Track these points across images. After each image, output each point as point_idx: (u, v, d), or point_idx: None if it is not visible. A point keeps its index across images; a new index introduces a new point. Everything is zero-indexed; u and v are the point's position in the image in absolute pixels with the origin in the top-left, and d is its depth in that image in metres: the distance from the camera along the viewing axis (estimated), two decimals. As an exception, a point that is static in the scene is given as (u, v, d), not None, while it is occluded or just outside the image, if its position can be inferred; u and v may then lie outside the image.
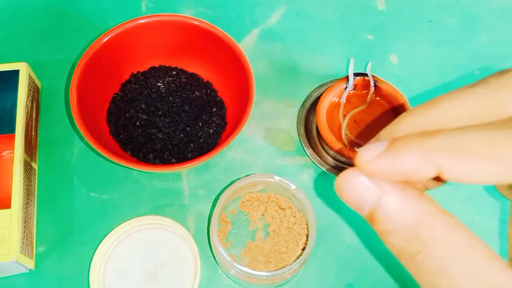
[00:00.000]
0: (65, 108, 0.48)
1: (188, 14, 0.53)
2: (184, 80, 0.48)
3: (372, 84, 0.45)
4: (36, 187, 0.44)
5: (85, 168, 0.45)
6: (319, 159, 0.45)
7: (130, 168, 0.43)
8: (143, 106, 0.46)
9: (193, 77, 0.48)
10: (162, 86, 0.47)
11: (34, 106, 0.46)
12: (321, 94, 0.46)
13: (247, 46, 0.51)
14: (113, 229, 0.41)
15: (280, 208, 0.41)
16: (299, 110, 0.48)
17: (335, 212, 0.44)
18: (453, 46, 0.52)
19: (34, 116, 0.46)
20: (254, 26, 0.53)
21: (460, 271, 0.18)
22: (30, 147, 0.43)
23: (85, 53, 0.43)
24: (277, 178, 0.39)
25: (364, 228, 0.43)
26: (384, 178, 0.19)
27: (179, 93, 0.47)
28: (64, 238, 0.42)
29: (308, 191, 0.45)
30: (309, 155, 0.46)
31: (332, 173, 0.44)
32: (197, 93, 0.47)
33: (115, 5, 0.53)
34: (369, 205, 0.19)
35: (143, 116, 0.45)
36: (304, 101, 0.48)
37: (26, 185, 0.41)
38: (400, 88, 0.46)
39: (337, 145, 0.43)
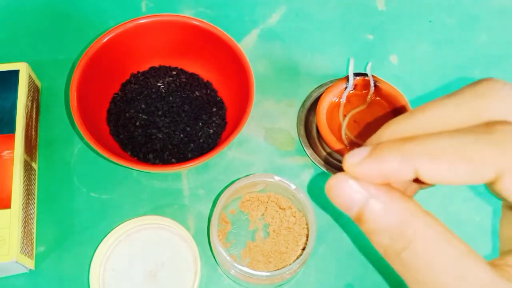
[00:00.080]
0: (65, 108, 0.48)
1: (188, 14, 0.53)
2: (184, 80, 0.48)
3: (372, 84, 0.46)
4: (36, 187, 0.44)
5: (85, 168, 0.45)
6: (319, 159, 0.45)
7: (130, 168, 0.43)
8: (143, 106, 0.46)
9: (193, 77, 0.48)
10: (162, 86, 0.47)
11: (34, 106, 0.46)
12: (321, 94, 0.46)
13: (247, 46, 0.51)
14: (113, 229, 0.41)
15: (280, 208, 0.41)
16: (299, 110, 0.48)
17: (335, 212, 0.44)
18: (453, 46, 0.52)
19: (34, 116, 0.46)
20: (254, 26, 0.53)
21: (439, 267, 0.19)
22: (30, 147, 0.43)
23: (85, 53, 0.43)
24: (277, 178, 0.39)
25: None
26: (368, 180, 0.21)
27: (179, 93, 0.47)
28: (64, 238, 0.42)
29: (308, 191, 0.45)
30: (309, 155, 0.46)
31: (332, 173, 0.45)
32: (197, 93, 0.47)
33: (115, 5, 0.53)
34: (357, 207, 0.21)
35: (143, 116, 0.45)
36: (304, 101, 0.48)
37: (26, 185, 0.41)
38: (400, 88, 0.46)
39: (337, 145, 0.43)
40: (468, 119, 0.21)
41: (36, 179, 0.44)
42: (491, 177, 0.19)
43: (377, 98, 0.46)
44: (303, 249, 0.40)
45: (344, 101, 0.46)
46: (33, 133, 0.45)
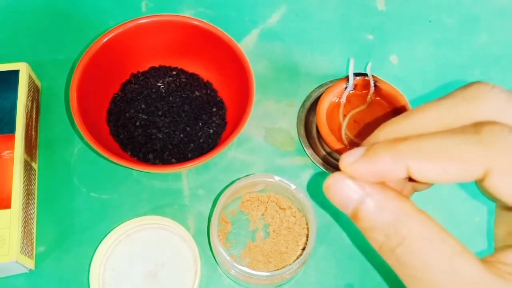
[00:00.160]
0: (65, 108, 0.48)
1: (188, 14, 0.53)
2: (184, 80, 0.48)
3: (372, 84, 0.46)
4: (36, 187, 0.44)
5: (85, 168, 0.45)
6: (319, 159, 0.45)
7: (130, 168, 0.43)
8: (143, 106, 0.46)
9: (193, 77, 0.48)
10: (162, 86, 0.47)
11: (34, 106, 0.46)
12: (321, 94, 0.46)
13: (247, 46, 0.51)
14: (113, 229, 0.41)
15: (280, 208, 0.41)
16: (299, 110, 0.48)
17: (335, 212, 0.44)
18: (453, 46, 0.52)
19: (34, 116, 0.46)
20: (254, 26, 0.53)
21: (432, 263, 0.20)
22: (30, 147, 0.43)
23: (85, 53, 0.43)
24: (277, 178, 0.39)
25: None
26: (363, 178, 0.22)
27: (179, 93, 0.47)
28: (64, 238, 0.42)
29: (308, 191, 0.45)
30: (309, 155, 0.46)
31: (332, 173, 0.44)
32: (197, 93, 0.47)
33: (115, 5, 0.53)
34: (352, 205, 0.22)
35: (143, 116, 0.45)
36: (304, 101, 0.48)
37: (26, 185, 0.41)
38: (400, 88, 0.46)
39: (337, 145, 0.43)
40: (459, 120, 0.22)
41: (36, 179, 0.44)
42: (479, 175, 0.20)
43: (377, 98, 0.46)
44: (303, 249, 0.40)
45: (344, 101, 0.46)
46: (33, 133, 0.45)
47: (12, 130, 0.42)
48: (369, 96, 0.46)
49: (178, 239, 0.41)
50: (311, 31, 0.53)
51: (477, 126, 0.21)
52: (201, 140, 0.45)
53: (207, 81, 0.48)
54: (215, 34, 0.44)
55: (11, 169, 0.40)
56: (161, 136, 0.44)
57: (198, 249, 0.40)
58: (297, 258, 0.39)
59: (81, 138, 0.46)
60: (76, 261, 0.41)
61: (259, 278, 0.37)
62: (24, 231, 0.39)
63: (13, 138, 0.41)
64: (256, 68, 0.50)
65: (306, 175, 0.46)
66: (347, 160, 0.22)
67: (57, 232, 0.43)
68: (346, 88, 0.46)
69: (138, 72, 0.48)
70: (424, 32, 0.53)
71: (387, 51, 0.52)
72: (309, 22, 0.53)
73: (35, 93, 0.47)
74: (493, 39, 0.53)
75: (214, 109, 0.47)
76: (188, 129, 0.45)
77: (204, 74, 0.48)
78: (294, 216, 0.41)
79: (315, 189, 0.45)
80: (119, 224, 0.41)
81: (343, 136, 0.45)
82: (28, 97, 0.44)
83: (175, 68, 0.48)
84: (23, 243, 0.39)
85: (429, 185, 0.26)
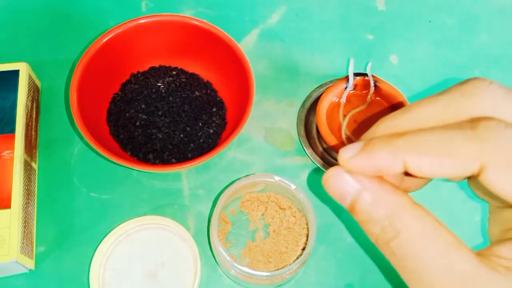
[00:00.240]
0: (65, 108, 0.48)
1: (188, 14, 0.53)
2: (184, 80, 0.48)
3: (372, 84, 0.46)
4: (36, 187, 0.44)
5: (85, 168, 0.45)
6: (319, 159, 0.45)
7: (130, 168, 0.43)
8: (143, 106, 0.46)
9: (193, 77, 0.48)
10: (162, 86, 0.47)
11: (34, 106, 0.46)
12: (321, 94, 0.46)
13: (247, 46, 0.51)
14: (113, 229, 0.41)
15: (280, 208, 0.41)
16: (299, 110, 0.48)
17: (335, 212, 0.44)
18: (453, 46, 0.52)
19: (34, 116, 0.46)
20: (254, 26, 0.53)
21: (426, 256, 0.21)
22: (30, 147, 0.43)
23: (85, 53, 0.43)
24: (277, 178, 0.39)
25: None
26: (361, 173, 0.23)
27: (179, 93, 0.47)
28: (64, 238, 0.42)
29: (308, 191, 0.45)
30: (309, 155, 0.46)
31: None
32: (197, 93, 0.47)
33: (115, 5, 0.53)
34: (350, 198, 0.23)
35: (143, 116, 0.45)
36: (304, 101, 0.48)
37: (26, 185, 0.41)
38: (400, 88, 0.46)
39: (337, 145, 0.43)
40: (456, 115, 0.22)
41: (36, 179, 0.44)
42: (475, 170, 0.20)
43: (377, 98, 0.46)
44: (303, 249, 0.40)
45: (344, 101, 0.46)
46: (33, 133, 0.45)
47: (12, 130, 0.42)
48: (369, 96, 0.46)
49: (178, 239, 0.41)
50: (311, 31, 0.53)
51: (473, 122, 0.21)
52: (201, 140, 0.45)
53: (207, 81, 0.48)
54: (215, 34, 0.44)
55: (11, 169, 0.40)
56: (161, 136, 0.44)
57: (198, 249, 0.40)
58: (297, 258, 0.39)
59: (81, 138, 0.46)
60: (76, 261, 0.41)
61: (259, 278, 0.37)
62: (24, 231, 0.39)
63: (13, 138, 0.41)
64: (256, 68, 0.50)
65: (306, 175, 0.46)
66: (345, 155, 0.23)
67: (57, 232, 0.43)
68: (346, 88, 0.46)
69: (138, 72, 0.48)
70: (424, 32, 0.53)
71: (387, 51, 0.52)
72: (309, 22, 0.53)
73: (35, 93, 0.47)
74: (493, 39, 0.53)
75: (214, 109, 0.47)
76: (188, 129, 0.45)
77: (204, 74, 0.48)
78: (294, 216, 0.41)
79: (315, 189, 0.45)
80: (119, 224, 0.41)
81: (343, 136, 0.45)
82: (28, 97, 0.44)
83: (175, 68, 0.48)
84: (23, 243, 0.39)
85: (421, 186, 0.27)
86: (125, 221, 0.41)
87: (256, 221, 0.42)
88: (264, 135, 0.47)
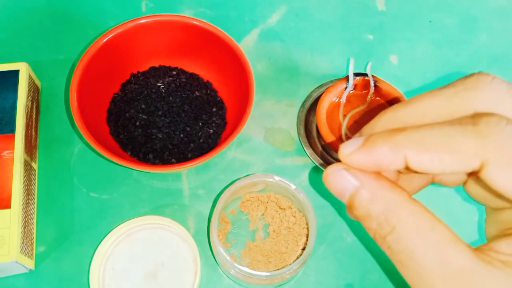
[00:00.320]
0: (65, 108, 0.48)
1: (188, 14, 0.53)
2: (184, 80, 0.48)
3: (372, 84, 0.46)
4: (36, 187, 0.44)
5: (85, 168, 0.45)
6: (319, 159, 0.45)
7: (130, 168, 0.43)
8: (143, 106, 0.46)
9: (193, 77, 0.48)
10: (162, 86, 0.47)
11: (34, 106, 0.46)
12: (321, 94, 0.46)
13: (247, 46, 0.51)
14: (113, 229, 0.41)
15: (280, 208, 0.41)
16: (299, 110, 0.48)
17: (335, 212, 0.44)
18: (453, 46, 0.52)
19: (34, 116, 0.46)
20: (254, 26, 0.53)
21: (422, 251, 0.21)
22: (30, 147, 0.43)
23: (85, 53, 0.43)
24: (277, 178, 0.39)
25: (364, 229, 0.43)
26: (361, 168, 0.23)
27: (179, 93, 0.47)
28: (64, 238, 0.42)
29: (308, 191, 0.45)
30: (309, 155, 0.46)
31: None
32: (197, 93, 0.47)
33: (115, 5, 0.53)
34: (348, 194, 0.23)
35: (143, 116, 0.45)
36: (304, 101, 0.48)
37: (26, 185, 0.41)
38: (400, 88, 0.46)
39: (337, 145, 0.43)
40: (459, 109, 0.22)
41: (36, 179, 0.44)
42: (476, 166, 0.20)
43: (377, 98, 0.46)
44: (303, 249, 0.40)
45: (344, 101, 0.46)
46: (33, 133, 0.45)
47: (12, 130, 0.42)
48: (369, 96, 0.46)
49: (178, 239, 0.41)
50: (311, 31, 0.53)
51: (475, 118, 0.21)
52: (201, 140, 0.45)
53: (207, 81, 0.48)
54: (215, 34, 0.44)
55: (11, 169, 0.40)
56: (161, 136, 0.44)
57: (198, 249, 0.40)
58: (297, 258, 0.39)
59: (81, 138, 0.46)
60: (76, 261, 0.41)
61: (259, 278, 0.37)
62: (24, 231, 0.39)
63: (13, 138, 0.41)
64: (256, 68, 0.50)
65: (306, 175, 0.46)
66: (345, 150, 0.23)
67: (57, 232, 0.43)
68: (346, 88, 0.46)
69: (138, 72, 0.48)
70: (424, 32, 0.53)
71: (387, 51, 0.52)
72: (309, 22, 0.53)
73: (35, 93, 0.47)
74: (493, 39, 0.53)
75: (214, 109, 0.47)
76: (188, 129, 0.45)
77: (204, 74, 0.48)
78: (294, 216, 0.41)
79: (315, 189, 0.45)
80: (119, 224, 0.41)
81: (343, 136, 0.45)
82: (28, 97, 0.44)
83: (175, 68, 0.48)
84: (23, 243, 0.39)
85: (416, 190, 0.27)
86: (125, 221, 0.41)
87: (256, 221, 0.42)
88: (264, 135, 0.47)
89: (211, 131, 0.45)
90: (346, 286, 0.41)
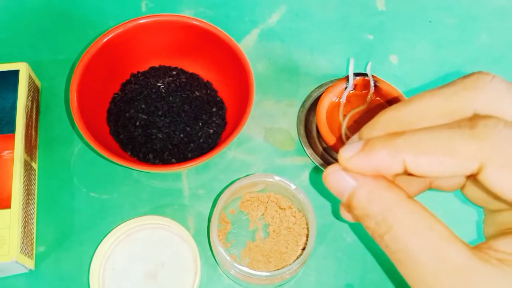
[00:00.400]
0: (65, 108, 0.48)
1: (188, 14, 0.53)
2: (184, 80, 0.48)
3: (372, 84, 0.46)
4: (36, 187, 0.44)
5: (85, 168, 0.45)
6: (319, 159, 0.45)
7: (130, 168, 0.43)
8: (143, 106, 0.46)
9: (193, 77, 0.48)
10: (162, 86, 0.47)
11: (34, 106, 0.46)
12: (321, 94, 0.46)
13: (247, 46, 0.51)
14: (113, 229, 0.41)
15: (280, 208, 0.41)
16: (299, 110, 0.48)
17: (335, 212, 0.44)
18: (453, 46, 0.52)
19: (34, 116, 0.46)
20: (254, 26, 0.53)
21: (418, 249, 0.21)
22: (30, 147, 0.43)
23: (85, 53, 0.43)
24: (277, 178, 0.39)
25: (364, 228, 0.43)
26: (360, 172, 0.23)
27: (179, 93, 0.47)
28: (64, 238, 0.42)
29: (308, 191, 0.45)
30: (309, 155, 0.46)
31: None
32: (197, 93, 0.47)
33: (115, 5, 0.53)
34: (347, 193, 0.24)
35: (143, 116, 0.45)
36: (304, 101, 0.48)
37: (26, 185, 0.41)
38: (400, 88, 0.46)
39: (337, 145, 0.43)
40: (458, 108, 0.22)
41: (36, 179, 0.44)
42: (475, 169, 0.21)
43: (377, 98, 0.46)
44: (303, 249, 0.40)
45: (344, 101, 0.46)
46: (33, 133, 0.45)
47: (12, 130, 0.42)
48: (369, 96, 0.46)
49: (178, 239, 0.41)
50: (311, 31, 0.53)
51: (472, 120, 0.21)
52: (201, 140, 0.45)
53: (207, 81, 0.48)
54: (215, 34, 0.44)
55: (11, 169, 0.40)
56: (161, 136, 0.44)
57: (198, 249, 0.40)
58: (297, 258, 0.39)
59: (81, 138, 0.46)
60: (76, 261, 0.41)
61: (259, 278, 0.37)
62: (24, 231, 0.39)
63: (13, 138, 0.41)
64: (256, 68, 0.50)
65: (306, 175, 0.46)
66: (345, 154, 0.23)
67: (57, 232, 0.43)
68: (346, 88, 0.46)
69: (138, 72, 0.48)
70: (424, 32, 0.53)
71: (387, 51, 0.52)
72: (309, 22, 0.53)
73: (35, 93, 0.47)
74: (493, 39, 0.53)
75: (214, 109, 0.47)
76: (188, 129, 0.45)
77: (204, 74, 0.48)
78: (294, 216, 0.41)
79: (315, 189, 0.45)
80: (119, 224, 0.41)
81: (343, 136, 0.45)
82: (28, 97, 0.44)
83: (175, 68, 0.48)
84: (23, 243, 0.39)
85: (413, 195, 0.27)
86: (125, 221, 0.41)
87: (256, 221, 0.42)
88: (264, 135, 0.47)
89: (211, 131, 0.45)
90: (346, 286, 0.41)
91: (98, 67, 0.44)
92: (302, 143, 0.46)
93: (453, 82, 0.23)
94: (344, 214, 0.27)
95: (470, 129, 0.21)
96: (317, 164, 0.45)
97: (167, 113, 0.45)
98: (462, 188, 0.26)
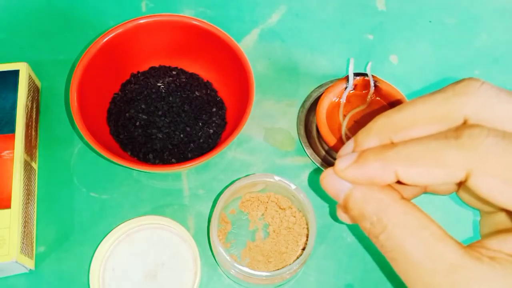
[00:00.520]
0: (65, 108, 0.48)
1: (188, 14, 0.53)
2: (184, 80, 0.48)
3: (372, 84, 0.46)
4: (36, 187, 0.44)
5: (85, 168, 0.45)
6: (319, 159, 0.45)
7: (130, 168, 0.43)
8: (143, 106, 0.46)
9: (193, 77, 0.48)
10: (162, 86, 0.47)
11: (34, 106, 0.46)
12: (321, 94, 0.46)
13: (247, 46, 0.51)
14: (113, 229, 0.41)
15: (280, 208, 0.41)
16: (299, 110, 0.48)
17: (333, 214, 0.44)
18: (453, 46, 0.52)
19: (34, 116, 0.46)
20: (254, 26, 0.53)
21: (412, 248, 0.22)
22: (30, 147, 0.43)
23: (85, 53, 0.43)
24: (277, 178, 0.39)
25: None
26: (355, 182, 0.25)
27: (179, 93, 0.47)
28: (64, 238, 0.42)
29: (308, 191, 0.45)
30: (309, 155, 0.46)
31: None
32: (197, 93, 0.47)
33: (115, 5, 0.53)
34: (342, 195, 0.25)
35: (143, 116, 0.45)
36: (304, 101, 0.48)
37: (26, 185, 0.41)
38: (400, 88, 0.46)
39: (337, 145, 0.43)
40: (449, 114, 0.23)
41: (36, 179, 0.44)
42: (462, 177, 0.22)
43: (377, 98, 0.46)
44: (303, 249, 0.40)
45: (344, 101, 0.46)
46: (33, 133, 0.45)
47: (12, 130, 0.42)
48: (369, 96, 0.46)
49: (178, 239, 0.41)
50: (311, 31, 0.53)
51: (458, 131, 0.22)
52: (201, 140, 0.45)
53: (207, 81, 0.48)
54: (215, 34, 0.44)
55: (11, 169, 0.40)
56: (161, 136, 0.44)
57: (198, 249, 0.40)
58: (297, 258, 0.39)
59: (81, 138, 0.46)
60: (76, 261, 0.41)
61: (259, 278, 0.37)
62: (24, 231, 0.39)
63: (13, 138, 0.41)
64: (256, 68, 0.50)
65: (306, 175, 0.46)
66: (340, 165, 0.25)
67: (57, 232, 0.43)
68: (346, 88, 0.46)
69: (138, 72, 0.48)
70: (424, 32, 0.53)
71: (387, 51, 0.52)
72: (309, 22, 0.53)
73: (35, 93, 0.47)
74: (493, 39, 0.53)
75: (214, 109, 0.47)
76: (188, 129, 0.45)
77: (204, 74, 0.48)
78: (294, 216, 0.41)
79: (315, 189, 0.45)
80: (119, 224, 0.41)
81: (343, 136, 0.45)
82: (28, 97, 0.44)
83: (175, 68, 0.48)
84: (23, 243, 0.39)
85: (421, 192, 0.28)
86: (125, 221, 0.41)
87: (256, 221, 0.42)
88: (264, 135, 0.47)
89: (211, 131, 0.45)
90: (346, 286, 0.41)
91: (98, 67, 0.44)
92: (302, 143, 0.46)
93: (444, 89, 0.24)
94: (341, 215, 0.28)
95: (456, 139, 0.22)
96: (317, 164, 0.45)
97: (167, 113, 0.45)
98: (458, 191, 0.27)
